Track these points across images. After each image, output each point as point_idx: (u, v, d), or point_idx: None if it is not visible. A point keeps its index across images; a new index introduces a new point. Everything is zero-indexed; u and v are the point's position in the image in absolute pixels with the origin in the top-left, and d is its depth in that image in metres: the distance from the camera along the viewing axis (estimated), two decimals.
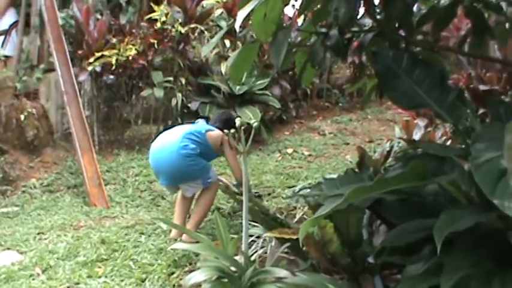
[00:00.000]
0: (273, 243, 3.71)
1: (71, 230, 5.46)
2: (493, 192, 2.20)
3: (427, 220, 2.68)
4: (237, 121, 3.30)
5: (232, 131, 3.32)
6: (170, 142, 5.06)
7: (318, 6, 3.39)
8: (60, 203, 6.46)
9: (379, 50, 3.56)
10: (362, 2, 3.18)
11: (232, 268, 3.15)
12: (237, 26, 2.81)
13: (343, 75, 11.46)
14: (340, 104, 10.94)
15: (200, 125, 5.39)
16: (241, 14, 2.80)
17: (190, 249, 3.80)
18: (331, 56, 3.64)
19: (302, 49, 3.78)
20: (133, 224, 5.45)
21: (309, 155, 8.01)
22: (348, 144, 8.59)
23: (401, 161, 3.01)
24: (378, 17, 3.52)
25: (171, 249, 4.45)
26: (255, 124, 3.33)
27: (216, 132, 5.22)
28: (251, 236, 3.91)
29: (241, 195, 5.58)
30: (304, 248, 3.17)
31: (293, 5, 5.06)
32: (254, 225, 3.93)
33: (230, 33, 6.84)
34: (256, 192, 6.10)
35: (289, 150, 8.19)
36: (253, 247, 3.93)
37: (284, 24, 3.54)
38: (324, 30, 3.48)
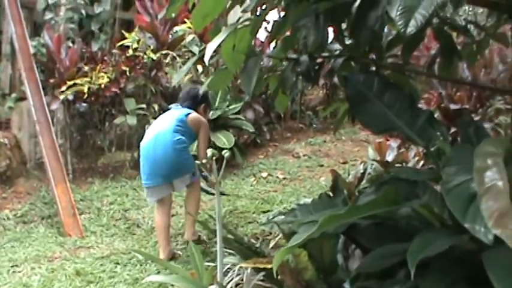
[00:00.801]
0: (248, 271, 3.68)
1: (46, 262, 5.40)
2: (464, 216, 2.22)
3: (401, 244, 2.68)
4: (209, 152, 3.30)
5: (204, 161, 3.31)
6: (163, 139, 5.23)
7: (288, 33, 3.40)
8: (34, 234, 6.37)
9: (350, 74, 3.59)
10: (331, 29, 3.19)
11: None
12: (206, 59, 2.82)
13: (317, 96, 11.50)
14: (314, 126, 10.94)
15: (179, 112, 5.46)
16: (211, 47, 2.81)
17: (164, 281, 3.77)
18: (302, 81, 3.66)
19: (274, 74, 3.80)
20: (108, 254, 5.41)
21: (284, 178, 8.01)
22: (322, 166, 8.60)
23: (374, 186, 3.02)
24: (348, 42, 3.55)
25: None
26: (227, 154, 3.32)
27: (194, 115, 5.40)
28: (227, 264, 3.89)
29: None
30: (279, 277, 3.15)
31: (265, 28, 5.08)
32: (230, 253, 3.91)
33: (203, 58, 6.85)
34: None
35: (264, 174, 8.18)
36: (229, 274, 3.90)
37: (255, 51, 3.55)
38: (294, 56, 3.50)
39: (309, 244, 3.02)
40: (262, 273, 3.25)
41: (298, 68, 3.40)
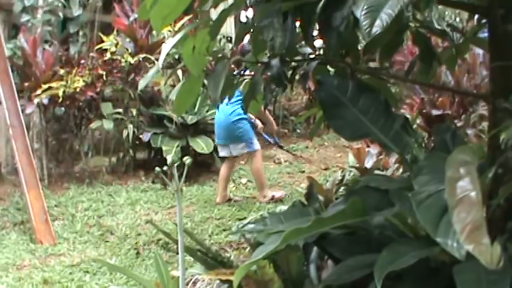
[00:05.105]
0: (217, 282, 3.54)
1: (14, 271, 5.24)
2: (436, 230, 2.10)
3: (372, 255, 2.56)
4: (169, 158, 3.14)
5: (165, 168, 3.16)
6: (225, 110, 6.65)
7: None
8: (5, 241, 6.18)
9: (323, 78, 3.47)
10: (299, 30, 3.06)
11: None
12: (160, 62, 2.69)
13: (301, 102, 11.37)
14: (298, 131, 10.81)
15: None
16: (165, 49, 2.68)
17: None
18: (274, 86, 3.53)
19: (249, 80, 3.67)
20: (78, 262, 5.26)
21: None
22: (303, 172, 8.49)
23: (344, 196, 2.90)
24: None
25: None
26: (188, 161, 3.18)
27: None
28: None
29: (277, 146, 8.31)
30: None
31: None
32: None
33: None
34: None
35: (244, 180, 8.06)
36: (198, 285, 3.75)
37: (225, 54, 3.41)
38: (266, 60, 3.37)
39: (275, 255, 2.90)
40: (226, 285, 3.10)
41: (269, 72, 3.27)
